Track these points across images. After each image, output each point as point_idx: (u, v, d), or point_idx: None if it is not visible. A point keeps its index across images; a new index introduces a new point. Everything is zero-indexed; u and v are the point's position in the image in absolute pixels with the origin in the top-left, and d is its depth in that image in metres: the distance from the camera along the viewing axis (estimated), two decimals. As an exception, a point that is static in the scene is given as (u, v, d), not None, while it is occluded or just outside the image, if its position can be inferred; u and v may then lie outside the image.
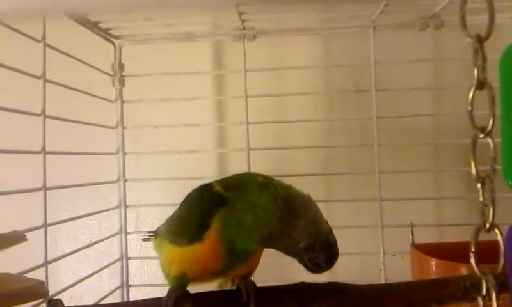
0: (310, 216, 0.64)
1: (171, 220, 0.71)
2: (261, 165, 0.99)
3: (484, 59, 0.36)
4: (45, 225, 0.72)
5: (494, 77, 0.43)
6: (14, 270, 0.61)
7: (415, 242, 0.90)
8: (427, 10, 0.91)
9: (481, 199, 0.37)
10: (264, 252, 0.69)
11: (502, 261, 0.37)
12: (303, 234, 0.63)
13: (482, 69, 0.36)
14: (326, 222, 0.66)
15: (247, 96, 0.97)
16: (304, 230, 0.63)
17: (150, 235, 0.80)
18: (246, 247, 0.65)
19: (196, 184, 0.73)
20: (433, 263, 0.78)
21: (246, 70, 0.97)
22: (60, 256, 0.80)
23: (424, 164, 1.04)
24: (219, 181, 0.68)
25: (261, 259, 0.70)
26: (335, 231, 1.02)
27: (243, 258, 0.65)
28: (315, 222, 0.64)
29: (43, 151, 0.73)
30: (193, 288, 0.69)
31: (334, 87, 1.08)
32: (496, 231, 0.37)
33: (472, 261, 0.37)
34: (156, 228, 0.79)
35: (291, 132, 1.06)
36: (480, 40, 0.37)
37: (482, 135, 0.37)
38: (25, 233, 0.59)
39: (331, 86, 1.08)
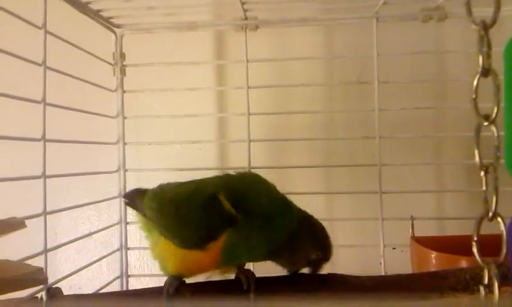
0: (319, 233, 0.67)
1: (166, 216, 0.68)
2: (262, 157, 0.99)
3: (489, 46, 0.36)
4: (45, 213, 0.72)
5: (498, 70, 0.42)
6: (13, 258, 0.61)
7: (415, 235, 0.90)
8: (430, 2, 0.91)
9: (484, 187, 0.37)
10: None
11: (504, 250, 0.37)
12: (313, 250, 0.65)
13: (487, 56, 0.36)
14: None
15: (248, 87, 0.97)
16: (314, 247, 0.66)
17: (126, 199, 0.80)
18: (249, 261, 0.66)
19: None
20: (433, 255, 0.78)
21: (247, 61, 0.97)
22: (59, 244, 0.80)
23: (425, 157, 1.04)
24: (225, 190, 0.65)
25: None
26: (335, 224, 1.03)
27: (240, 262, 0.67)
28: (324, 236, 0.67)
29: (43, 139, 0.72)
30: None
31: (336, 79, 1.07)
32: (499, 219, 0.36)
33: (474, 250, 0.37)
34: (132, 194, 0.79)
35: (292, 123, 1.05)
36: (485, 27, 0.36)
37: (486, 123, 0.37)
38: (25, 221, 0.59)
39: (333, 77, 1.07)
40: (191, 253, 0.64)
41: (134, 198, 0.77)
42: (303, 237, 0.65)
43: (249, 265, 0.73)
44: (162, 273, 0.69)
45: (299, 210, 0.68)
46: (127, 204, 0.83)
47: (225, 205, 0.63)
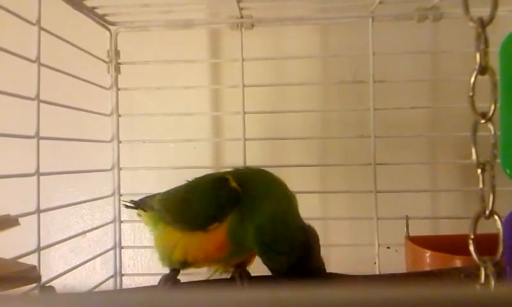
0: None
1: (173, 202, 0.70)
2: (257, 156, 0.99)
3: (486, 43, 0.36)
4: (38, 210, 0.71)
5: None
6: (6, 256, 0.60)
7: (410, 235, 0.90)
8: (426, 1, 0.91)
9: (481, 185, 0.37)
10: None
11: (500, 248, 0.37)
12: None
13: (485, 54, 0.36)
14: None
15: (244, 86, 0.96)
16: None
17: (134, 204, 0.81)
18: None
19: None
20: (428, 255, 0.78)
21: (243, 59, 0.96)
22: (53, 242, 0.80)
23: (420, 156, 1.04)
24: (234, 175, 0.66)
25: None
26: (329, 223, 1.03)
27: (249, 248, 0.65)
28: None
29: (37, 136, 0.72)
30: (185, 277, 0.69)
31: (331, 78, 1.07)
32: (496, 217, 0.36)
33: (471, 248, 0.37)
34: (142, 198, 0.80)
35: (287, 122, 1.05)
36: (482, 24, 0.36)
37: (483, 121, 0.37)
38: (18, 218, 0.58)
39: (329, 76, 1.07)
40: (197, 237, 0.64)
41: (146, 200, 0.78)
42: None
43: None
44: (156, 272, 0.69)
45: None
46: (129, 207, 0.83)
47: (232, 184, 0.64)
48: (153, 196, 0.77)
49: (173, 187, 0.74)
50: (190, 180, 0.72)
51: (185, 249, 0.65)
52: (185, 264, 0.66)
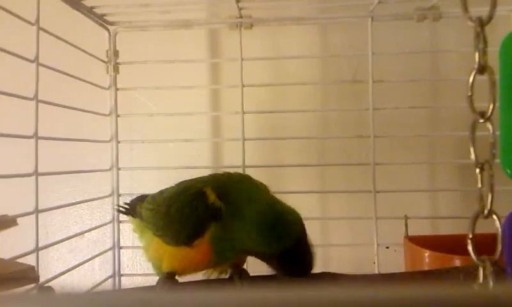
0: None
1: (157, 215, 0.69)
2: (256, 156, 0.99)
3: (485, 42, 0.36)
4: (37, 211, 0.71)
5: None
6: (4, 256, 0.60)
7: (409, 234, 0.90)
8: (425, 1, 0.91)
9: (480, 185, 0.37)
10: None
11: (499, 248, 0.37)
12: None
13: (483, 53, 0.36)
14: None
15: (243, 86, 0.96)
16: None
17: (125, 209, 0.80)
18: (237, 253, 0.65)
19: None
20: (427, 255, 0.78)
21: (242, 59, 0.96)
22: (51, 243, 0.79)
23: (419, 156, 1.04)
24: (213, 185, 0.65)
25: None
26: (328, 223, 1.03)
27: (233, 256, 0.65)
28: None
29: (36, 136, 0.72)
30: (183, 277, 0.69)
31: (331, 78, 1.07)
32: (494, 217, 0.36)
33: (470, 248, 0.37)
34: (132, 200, 0.80)
35: (286, 122, 1.05)
36: (481, 24, 0.36)
37: (482, 120, 0.36)
38: (16, 219, 0.58)
39: (328, 76, 1.07)
40: (182, 251, 0.64)
41: (135, 204, 0.77)
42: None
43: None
44: (155, 273, 0.69)
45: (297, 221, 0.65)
46: (121, 212, 0.83)
47: (210, 198, 0.63)
48: (145, 198, 0.75)
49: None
50: (175, 183, 0.71)
51: (171, 261, 0.66)
52: (174, 274, 0.66)
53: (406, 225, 0.91)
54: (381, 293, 0.22)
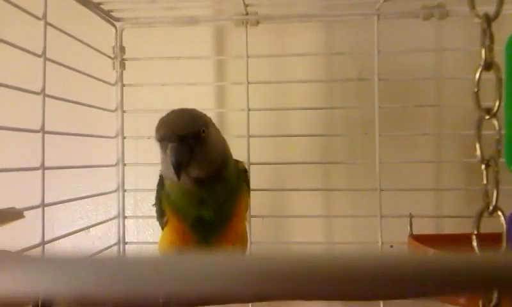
0: None
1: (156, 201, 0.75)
2: (260, 153, 0.99)
3: (492, 39, 0.36)
4: (43, 204, 0.71)
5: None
6: (10, 249, 0.60)
7: (413, 233, 0.90)
8: (431, -1, 0.91)
9: (485, 181, 0.37)
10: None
11: (504, 243, 0.37)
12: None
13: (490, 49, 0.36)
14: None
15: (248, 83, 0.96)
16: None
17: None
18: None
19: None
20: (431, 254, 0.78)
21: (248, 56, 0.96)
22: (57, 236, 0.80)
23: (424, 154, 1.04)
24: None
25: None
26: (333, 220, 1.03)
27: (215, 226, 0.67)
28: None
29: (42, 131, 0.72)
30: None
31: (336, 76, 1.07)
32: (499, 213, 0.36)
33: (474, 243, 0.37)
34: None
35: (291, 119, 1.05)
36: (488, 20, 0.36)
37: (487, 117, 0.36)
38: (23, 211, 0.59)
39: (333, 74, 1.07)
40: (166, 233, 0.70)
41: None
42: None
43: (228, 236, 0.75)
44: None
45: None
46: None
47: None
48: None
49: None
50: None
51: (164, 243, 0.72)
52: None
53: (411, 224, 0.90)
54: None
